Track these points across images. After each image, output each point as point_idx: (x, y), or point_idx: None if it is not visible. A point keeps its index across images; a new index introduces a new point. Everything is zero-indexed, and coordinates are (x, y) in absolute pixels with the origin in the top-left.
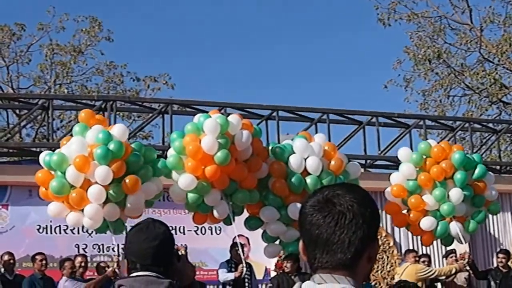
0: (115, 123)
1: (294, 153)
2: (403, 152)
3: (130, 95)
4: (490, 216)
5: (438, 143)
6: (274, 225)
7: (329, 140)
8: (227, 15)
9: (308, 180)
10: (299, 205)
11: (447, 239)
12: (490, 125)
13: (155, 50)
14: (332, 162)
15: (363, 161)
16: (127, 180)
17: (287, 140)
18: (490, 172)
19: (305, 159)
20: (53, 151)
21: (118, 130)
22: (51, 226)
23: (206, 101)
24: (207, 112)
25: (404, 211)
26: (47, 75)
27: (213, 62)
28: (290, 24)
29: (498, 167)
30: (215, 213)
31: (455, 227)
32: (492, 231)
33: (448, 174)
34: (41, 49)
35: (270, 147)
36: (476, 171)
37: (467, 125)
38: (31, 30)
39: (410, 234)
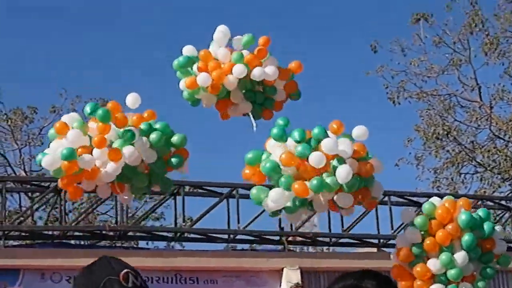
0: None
1: None
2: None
3: None
4: None
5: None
6: None
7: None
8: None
9: None
10: None
11: None
12: (503, 202)
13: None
14: None
15: (376, 241)
16: None
17: None
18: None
19: None
20: (65, 232)
21: None
22: None
23: (218, 182)
24: (219, 193)
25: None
26: None
27: (226, 145)
28: None
29: None
30: None
31: None
32: None
33: (454, 237)
34: None
35: None
36: (485, 229)
37: (480, 202)
38: (43, 113)
39: None
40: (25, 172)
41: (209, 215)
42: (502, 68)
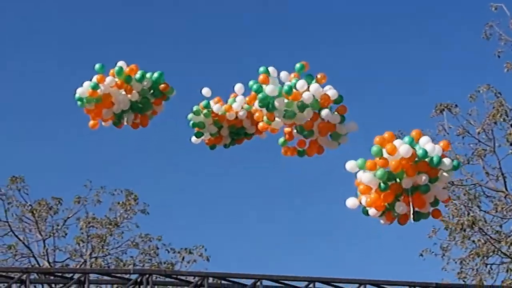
0: None
1: None
2: None
3: (166, 268)
4: None
5: None
6: None
7: None
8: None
9: None
10: None
11: None
12: None
13: (190, 221)
14: None
15: None
16: None
17: None
18: None
19: None
20: None
21: None
22: None
23: (242, 273)
24: (243, 285)
25: None
26: (83, 248)
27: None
28: None
29: None
30: None
31: None
32: None
33: None
34: (77, 222)
35: None
36: None
37: None
38: (68, 204)
39: None
40: (49, 263)
41: None
42: None
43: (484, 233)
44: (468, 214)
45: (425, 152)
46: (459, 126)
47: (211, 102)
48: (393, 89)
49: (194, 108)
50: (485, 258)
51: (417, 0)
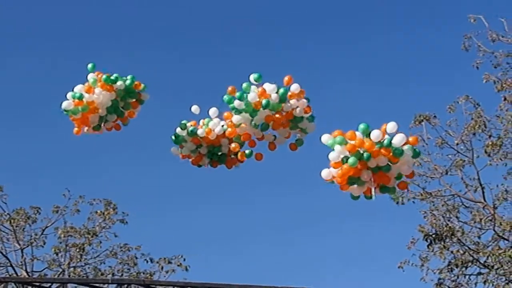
0: None
1: None
2: None
3: (144, 278)
4: None
5: None
6: None
7: None
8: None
9: None
10: None
11: None
12: None
13: (169, 231)
14: None
15: None
16: None
17: None
18: None
19: None
20: None
21: None
22: None
23: (222, 283)
24: None
25: None
26: (61, 258)
27: (228, 243)
28: None
29: None
30: None
31: None
32: None
33: None
34: (55, 232)
35: None
36: None
37: None
38: (46, 213)
39: None
40: (27, 272)
41: None
42: (505, 169)
43: (462, 244)
44: (447, 224)
45: (390, 140)
46: (438, 137)
47: (188, 124)
48: (372, 99)
49: (181, 124)
50: (464, 268)
51: (396, 10)
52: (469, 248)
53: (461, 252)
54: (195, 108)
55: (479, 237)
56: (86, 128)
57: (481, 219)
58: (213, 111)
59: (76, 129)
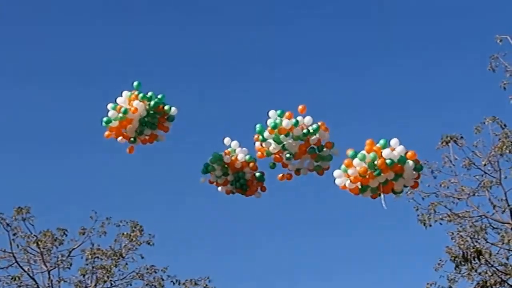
0: None
1: None
2: None
3: None
4: None
5: None
6: None
7: None
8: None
9: None
10: None
11: None
12: None
13: (196, 252)
14: None
15: None
16: None
17: None
18: None
19: None
20: None
21: None
22: None
23: None
24: None
25: None
26: (88, 280)
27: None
28: None
29: None
30: None
31: None
32: None
33: None
34: (82, 253)
35: None
36: None
37: None
38: (73, 235)
39: None
40: None
41: None
42: None
43: (490, 265)
44: (474, 246)
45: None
46: (465, 158)
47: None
48: (398, 120)
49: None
50: None
51: (423, 31)
52: (497, 269)
53: (489, 273)
54: (227, 140)
55: (507, 259)
56: (120, 139)
57: (509, 240)
58: (234, 143)
59: (119, 138)
